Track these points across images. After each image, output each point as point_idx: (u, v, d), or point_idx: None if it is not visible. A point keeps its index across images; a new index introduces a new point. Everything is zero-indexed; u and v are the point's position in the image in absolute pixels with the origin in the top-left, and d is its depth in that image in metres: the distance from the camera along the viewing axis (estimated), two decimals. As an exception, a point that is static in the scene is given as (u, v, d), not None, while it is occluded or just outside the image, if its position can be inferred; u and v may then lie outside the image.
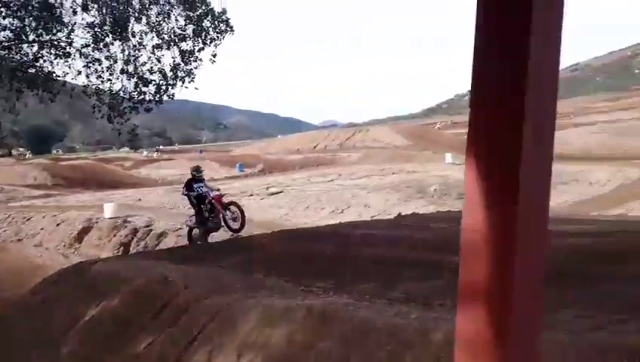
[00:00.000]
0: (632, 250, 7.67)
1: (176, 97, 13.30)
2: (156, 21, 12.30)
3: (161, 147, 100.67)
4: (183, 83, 12.73)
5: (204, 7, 12.43)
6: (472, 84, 1.11)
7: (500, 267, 1.08)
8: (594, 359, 4.69)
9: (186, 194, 13.50)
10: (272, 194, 24.53)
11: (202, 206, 13.27)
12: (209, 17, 12.46)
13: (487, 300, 1.10)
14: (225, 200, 13.59)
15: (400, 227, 11.26)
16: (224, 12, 12.58)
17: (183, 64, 12.68)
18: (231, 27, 12.61)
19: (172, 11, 12.37)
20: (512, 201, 1.06)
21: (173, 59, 12.64)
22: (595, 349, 4.76)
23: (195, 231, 13.68)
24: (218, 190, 13.74)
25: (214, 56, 12.70)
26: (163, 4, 12.30)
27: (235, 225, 13.08)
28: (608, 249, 7.98)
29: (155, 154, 58.80)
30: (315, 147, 54.70)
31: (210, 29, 12.51)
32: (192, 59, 12.66)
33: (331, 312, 5.75)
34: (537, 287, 1.17)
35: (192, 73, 12.72)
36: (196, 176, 13.47)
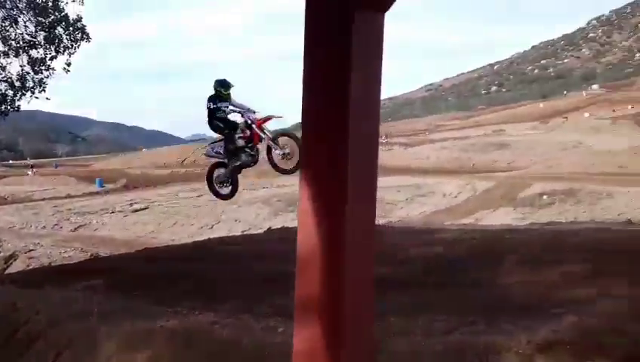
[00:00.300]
0: (480, 256, 8.39)
1: (28, 108, 12.31)
2: (2, 26, 11.32)
3: (11, 161, 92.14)
4: (33, 93, 11.81)
5: (57, 14, 11.65)
6: (302, 108, 1.17)
7: (331, 279, 1.13)
8: (449, 359, 5.05)
9: (219, 118, 8.48)
10: (137, 210, 23.45)
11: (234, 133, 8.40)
12: (62, 24, 11.69)
13: (321, 312, 1.14)
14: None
15: (270, 241, 11.32)
16: (79, 19, 11.88)
17: (32, 73, 11.77)
18: (87, 35, 11.94)
19: (20, 16, 11.45)
20: (340, 216, 1.13)
21: (21, 68, 11.69)
22: (450, 350, 5.13)
23: (220, 171, 8.75)
24: (254, 112, 8.60)
25: (69, 65, 11.92)
26: (10, 9, 11.35)
27: (288, 165, 8.30)
28: (459, 256, 8.66)
29: (30, 172, 53.37)
30: (183, 161, 53.25)
31: (64, 36, 11.75)
32: (43, 67, 11.79)
33: (196, 333, 5.61)
34: (368, 295, 1.24)
35: (44, 83, 11.84)
36: (222, 94, 8.61)
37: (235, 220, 20.64)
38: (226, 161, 8.57)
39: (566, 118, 63.26)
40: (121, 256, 11.05)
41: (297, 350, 1.18)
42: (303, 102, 1.18)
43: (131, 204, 24.62)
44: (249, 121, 8.26)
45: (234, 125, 8.63)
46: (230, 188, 8.53)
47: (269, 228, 15.92)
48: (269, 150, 8.12)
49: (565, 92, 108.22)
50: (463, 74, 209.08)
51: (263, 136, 8.21)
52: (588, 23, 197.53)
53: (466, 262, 7.94)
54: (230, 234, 16.60)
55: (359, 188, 1.16)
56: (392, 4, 1.19)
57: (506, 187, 22.96)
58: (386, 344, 5.21)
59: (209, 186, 9.04)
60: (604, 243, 8.33)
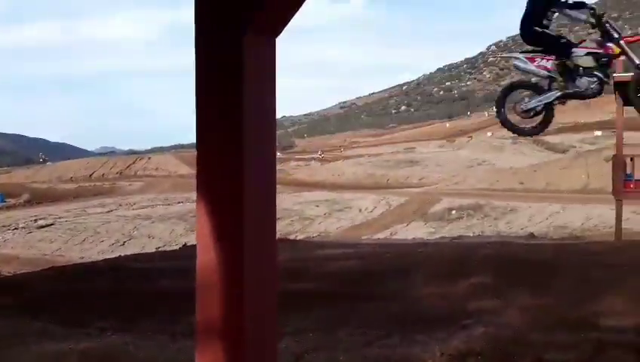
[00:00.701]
0: (394, 269, 8.66)
1: None
2: None
3: None
4: None
5: None
6: (196, 128, 1.19)
7: (232, 302, 1.15)
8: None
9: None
10: (42, 226, 22.14)
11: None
12: None
13: (223, 336, 1.16)
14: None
15: (185, 258, 11.06)
16: None
17: None
18: None
19: None
20: (238, 234, 1.15)
21: None
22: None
23: (527, 101, 5.28)
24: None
25: None
26: None
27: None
28: (375, 269, 8.90)
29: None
30: (91, 175, 50.94)
31: None
32: None
33: (109, 355, 5.41)
34: (271, 319, 1.27)
35: None
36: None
37: (149, 236, 20.00)
38: (546, 80, 5.36)
39: (471, 137, 66.59)
40: (25, 274, 10.39)
41: None
42: (196, 122, 1.20)
43: (36, 220, 23.22)
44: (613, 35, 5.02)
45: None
46: (540, 121, 5.39)
47: (185, 245, 15.56)
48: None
49: (469, 112, 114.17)
50: (374, 93, 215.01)
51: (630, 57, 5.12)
52: (488, 48, 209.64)
53: (382, 275, 8.17)
54: (143, 251, 16.06)
55: (257, 205, 1.18)
56: (282, 29, 1.24)
57: (418, 202, 23.86)
58: (305, 359, 5.27)
59: (498, 114, 5.64)
60: (510, 256, 8.88)
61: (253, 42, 1.20)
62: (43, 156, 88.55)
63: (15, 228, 21.91)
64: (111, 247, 18.08)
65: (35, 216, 25.04)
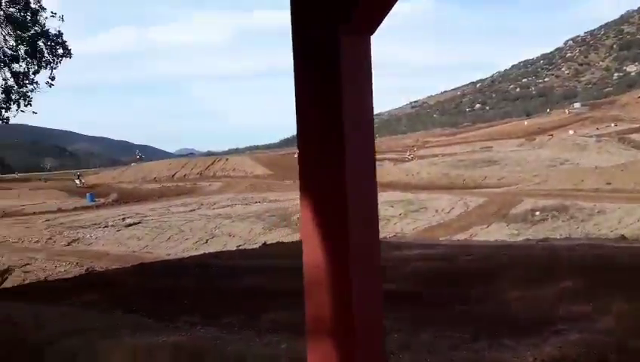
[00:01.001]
0: (478, 272, 8.43)
1: (13, 121, 12.23)
2: None
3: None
4: (19, 106, 11.76)
5: (37, 28, 11.65)
6: (297, 132, 1.20)
7: (340, 298, 1.16)
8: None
9: None
10: (130, 225, 23.29)
11: None
12: (43, 39, 11.69)
13: (332, 331, 1.17)
14: None
15: (266, 256, 11.30)
16: (60, 34, 11.88)
17: (16, 86, 11.74)
18: (68, 51, 11.95)
19: None
20: (343, 235, 1.15)
21: (4, 81, 11.66)
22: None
23: None
24: None
25: (52, 79, 11.89)
26: None
27: None
28: (457, 271, 8.71)
29: (78, 181, 51.50)
30: (173, 175, 53.09)
31: (46, 51, 11.75)
32: (26, 81, 11.76)
33: (199, 348, 5.59)
34: (377, 311, 1.26)
35: (28, 96, 11.79)
36: None
37: (230, 235, 20.56)
38: None
39: (551, 135, 63.91)
40: (117, 270, 10.96)
41: None
42: (297, 126, 1.21)
43: (124, 219, 24.45)
44: None
45: None
46: None
47: (265, 243, 15.88)
48: None
49: (548, 110, 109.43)
50: (446, 91, 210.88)
51: None
52: (565, 43, 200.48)
53: (465, 277, 7.98)
54: (225, 249, 16.53)
55: (360, 205, 1.19)
56: (377, 27, 1.23)
57: (498, 203, 23.13)
58: (391, 360, 5.22)
59: None
60: (601, 258, 8.43)
61: (350, 41, 1.20)
62: (139, 154, 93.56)
63: (105, 226, 23.17)
64: (195, 245, 18.72)
65: (123, 214, 26.37)
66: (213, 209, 27.04)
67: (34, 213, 29.20)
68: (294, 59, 1.23)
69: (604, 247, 10.11)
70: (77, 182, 48.89)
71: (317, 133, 1.22)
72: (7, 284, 14.27)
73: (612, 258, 8.79)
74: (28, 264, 15.45)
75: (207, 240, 19.54)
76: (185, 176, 52.30)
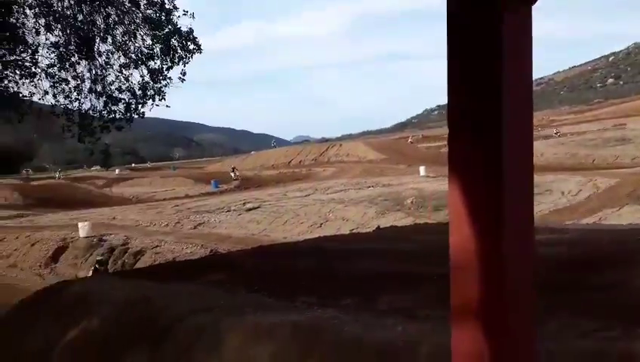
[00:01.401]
0: (610, 257, 7.82)
1: (147, 115, 13.16)
2: (122, 40, 12.22)
3: (133, 165, 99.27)
4: (154, 101, 12.62)
5: (170, 27, 12.38)
6: (448, 108, 1.14)
7: (491, 283, 1.09)
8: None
9: None
10: (250, 209, 24.39)
11: None
12: (176, 36, 12.41)
13: (481, 317, 1.11)
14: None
15: (380, 240, 11.29)
16: (191, 32, 12.55)
17: (152, 82, 12.59)
18: (199, 46, 12.59)
19: (138, 31, 12.28)
20: (496, 217, 1.08)
21: (142, 78, 12.55)
22: (586, 354, 4.82)
23: None
24: None
25: (184, 74, 12.63)
26: (128, 24, 12.21)
27: None
28: (587, 256, 8.13)
29: (232, 174, 52.15)
30: (289, 162, 54.67)
31: (178, 47, 12.47)
32: (160, 77, 12.58)
33: (318, 328, 5.71)
34: (529, 301, 1.18)
35: (162, 91, 12.62)
36: None
37: (343, 219, 20.81)
38: None
39: (697, 109, 57.48)
40: (238, 252, 11.50)
41: (456, 352, 1.16)
42: (448, 102, 1.16)
43: (244, 204, 25.63)
44: None
45: None
46: None
47: (378, 227, 15.88)
48: None
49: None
50: (575, 67, 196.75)
51: None
52: None
53: (596, 263, 7.43)
54: (339, 233, 16.77)
55: (515, 187, 1.12)
56: None
57: (632, 184, 21.24)
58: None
59: None
60: None
61: (511, 14, 1.13)
62: (274, 143, 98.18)
63: (228, 211, 24.44)
64: (309, 228, 19.18)
65: (244, 199, 27.62)
66: (327, 194, 27.50)
67: (164, 199, 31.50)
68: (448, 41, 1.20)
69: None
70: (232, 174, 48.51)
71: (470, 110, 1.18)
72: (140, 265, 15.55)
73: None
74: (158, 246, 16.71)
75: (321, 224, 19.93)
76: (300, 162, 53.67)
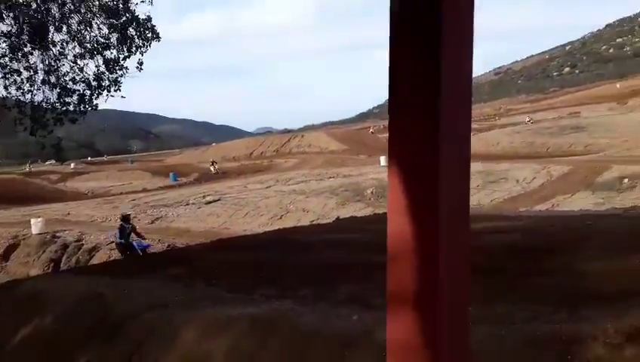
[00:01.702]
0: (560, 243, 8.06)
1: (103, 107, 12.84)
2: (77, 30, 11.84)
3: (89, 158, 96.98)
4: (109, 92, 12.30)
5: (128, 15, 12.05)
6: (389, 100, 1.14)
7: (426, 272, 1.10)
8: (531, 348, 4.90)
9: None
10: (209, 202, 24.14)
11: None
12: (134, 25, 12.09)
13: (415, 306, 1.12)
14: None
15: (340, 230, 11.35)
16: (149, 19, 12.24)
17: (107, 73, 12.26)
18: (157, 34, 12.30)
19: (94, 20, 11.93)
20: (433, 205, 1.09)
21: (97, 68, 12.20)
22: (532, 338, 4.97)
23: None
24: None
25: (141, 64, 12.34)
26: (84, 13, 11.84)
27: None
28: (537, 243, 8.36)
29: (212, 168, 49.50)
30: (251, 154, 54.35)
31: (136, 36, 12.16)
32: (117, 67, 12.26)
33: (275, 321, 5.71)
34: (463, 289, 1.20)
35: (118, 82, 12.30)
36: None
37: (304, 210, 20.84)
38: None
39: (647, 97, 59.72)
40: (197, 246, 11.39)
41: (391, 340, 1.17)
42: (389, 94, 1.16)
43: (204, 197, 25.36)
44: None
45: None
46: None
47: (337, 218, 15.97)
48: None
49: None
50: (532, 56, 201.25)
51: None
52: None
53: (546, 249, 7.65)
54: (299, 224, 16.78)
55: (451, 178, 1.13)
56: None
57: (584, 171, 21.94)
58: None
59: None
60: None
61: (451, 3, 1.13)
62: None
63: (187, 204, 24.14)
64: (270, 220, 19.12)
65: (204, 192, 27.33)
66: (288, 185, 27.47)
67: (121, 194, 30.90)
68: (391, 26, 1.19)
69: (701, 215, 9.37)
70: (211, 168, 46.83)
71: (410, 104, 1.18)
72: (95, 261, 15.24)
73: None
74: (113, 242, 16.41)
75: (282, 215, 19.90)
76: (262, 153, 53.44)
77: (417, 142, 1.12)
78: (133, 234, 14.43)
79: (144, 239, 14.24)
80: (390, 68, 1.16)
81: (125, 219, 14.32)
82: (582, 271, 6.70)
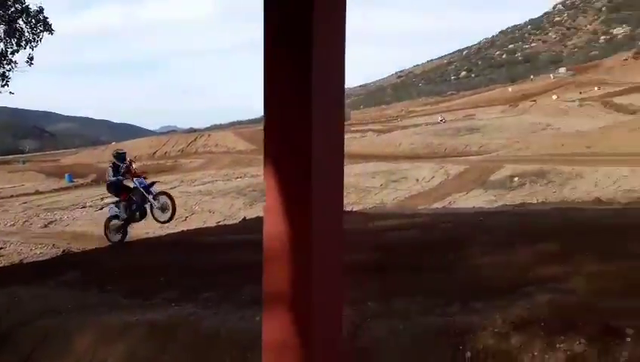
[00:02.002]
0: (453, 239, 8.49)
1: (-11, 104, 11.97)
2: None
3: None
4: None
5: (17, 6, 11.28)
6: (264, 100, 1.15)
7: (300, 272, 1.13)
8: (426, 341, 5.13)
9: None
10: (108, 205, 23.05)
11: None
12: (23, 17, 11.34)
13: (290, 305, 1.14)
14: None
15: (245, 231, 11.28)
16: (41, 10, 11.54)
17: (-7, 67, 11.45)
18: (49, 27, 11.61)
19: None
20: (306, 205, 1.11)
21: None
22: (427, 331, 5.20)
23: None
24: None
25: (31, 58, 11.61)
26: None
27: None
28: (433, 240, 8.76)
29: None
30: (154, 154, 52.58)
31: (26, 29, 11.41)
32: (4, 62, 11.46)
33: (174, 325, 5.59)
34: (336, 288, 1.24)
35: (6, 77, 11.52)
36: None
37: (210, 211, 20.49)
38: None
39: (535, 101, 64.32)
40: (94, 250, 10.87)
41: (267, 340, 1.18)
42: (264, 93, 1.16)
43: (102, 199, 24.17)
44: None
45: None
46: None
47: (244, 218, 15.86)
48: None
49: (532, 76, 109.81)
50: (432, 60, 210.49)
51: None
52: (554, 7, 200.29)
53: (440, 245, 8.03)
54: (205, 226, 16.49)
55: (324, 177, 1.15)
56: None
57: (478, 170, 23.28)
58: (364, 327, 5.27)
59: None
60: (575, 221, 8.52)
61: (324, 6, 1.14)
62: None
63: (83, 207, 22.92)
64: (174, 222, 18.56)
65: (102, 194, 26.05)
66: (194, 186, 26.88)
67: (11, 196, 28.84)
68: (264, 24, 1.18)
69: (578, 210, 10.24)
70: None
71: (283, 101, 1.17)
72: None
73: (585, 221, 8.89)
74: (2, 248, 15.30)
75: (187, 217, 19.44)
76: (166, 153, 51.89)
77: (292, 141, 1.13)
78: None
79: (145, 179, 12.50)
80: (265, 68, 1.16)
81: (119, 156, 12.23)
82: (474, 266, 7.10)
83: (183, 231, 13.53)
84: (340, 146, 1.26)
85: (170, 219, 12.00)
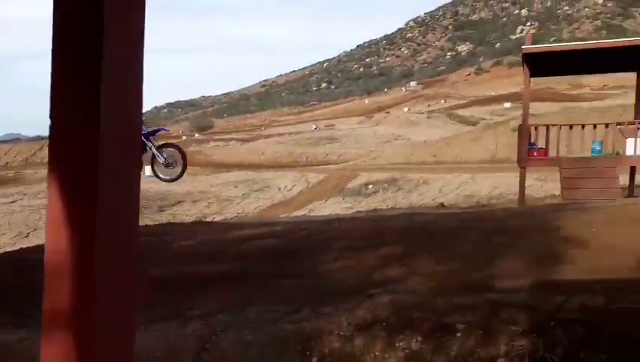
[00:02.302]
0: (308, 245, 8.67)
1: None
2: None
3: None
4: None
5: None
6: (50, 92, 1.08)
7: (82, 288, 1.05)
8: (275, 349, 5.16)
9: None
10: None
11: None
12: None
13: (71, 324, 1.06)
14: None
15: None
16: None
17: None
18: None
19: None
20: (90, 217, 1.05)
21: None
22: (276, 339, 5.24)
23: None
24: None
25: None
26: None
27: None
28: (290, 247, 8.87)
29: None
30: (-7, 164, 47.73)
31: None
32: None
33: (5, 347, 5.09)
34: (126, 306, 1.17)
35: None
36: None
37: (57, 226, 19.00)
38: None
39: (388, 112, 68.23)
40: None
41: None
42: (50, 94, 1.09)
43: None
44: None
45: None
46: None
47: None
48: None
49: (386, 89, 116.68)
50: (295, 71, 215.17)
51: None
52: (406, 24, 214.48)
53: (296, 252, 8.15)
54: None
55: (115, 186, 1.08)
56: None
57: (336, 179, 24.13)
58: (213, 341, 5.17)
59: None
60: (418, 225, 9.11)
61: (116, 7, 1.07)
62: None
63: None
64: (13, 240, 16.99)
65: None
66: (38, 199, 24.79)
67: None
68: (53, 21, 1.07)
69: (423, 215, 10.97)
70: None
71: (70, 104, 1.06)
72: None
73: (429, 224, 9.54)
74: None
75: (29, 233, 17.87)
76: (7, 163, 47.35)
77: (78, 144, 1.06)
78: None
79: None
80: (52, 65, 1.08)
81: None
82: (326, 271, 7.30)
83: (21, 248, 12.38)
84: (135, 150, 1.19)
85: (179, 177, 9.29)
